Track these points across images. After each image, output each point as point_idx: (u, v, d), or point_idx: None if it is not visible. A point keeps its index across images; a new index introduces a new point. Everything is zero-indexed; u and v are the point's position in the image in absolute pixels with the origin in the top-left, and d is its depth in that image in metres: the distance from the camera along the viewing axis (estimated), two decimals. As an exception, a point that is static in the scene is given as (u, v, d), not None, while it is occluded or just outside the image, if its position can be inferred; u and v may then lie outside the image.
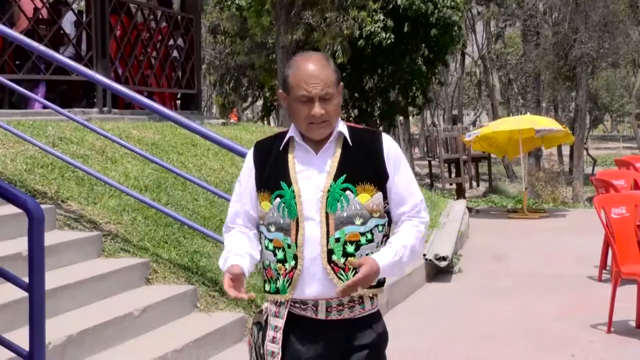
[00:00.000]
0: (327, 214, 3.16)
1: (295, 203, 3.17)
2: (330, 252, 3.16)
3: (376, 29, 24.74)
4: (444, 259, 9.66)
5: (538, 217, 16.50)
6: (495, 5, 41.60)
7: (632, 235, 7.73)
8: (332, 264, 3.16)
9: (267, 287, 3.30)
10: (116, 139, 8.08)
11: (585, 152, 40.76)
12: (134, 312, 5.92)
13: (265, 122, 36.02)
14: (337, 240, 3.15)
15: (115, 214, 7.29)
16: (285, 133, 3.31)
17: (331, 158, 3.21)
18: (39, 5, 11.39)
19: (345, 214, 3.15)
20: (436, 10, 25.55)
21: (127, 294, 6.36)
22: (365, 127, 3.45)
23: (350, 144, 3.23)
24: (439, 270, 9.87)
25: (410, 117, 43.90)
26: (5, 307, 5.17)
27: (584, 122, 36.78)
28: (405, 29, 25.46)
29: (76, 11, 12.45)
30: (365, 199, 3.17)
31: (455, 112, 54.98)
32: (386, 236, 3.26)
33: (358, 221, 3.16)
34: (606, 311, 7.42)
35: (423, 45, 26.68)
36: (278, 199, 3.20)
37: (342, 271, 3.16)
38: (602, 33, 33.19)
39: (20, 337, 4.22)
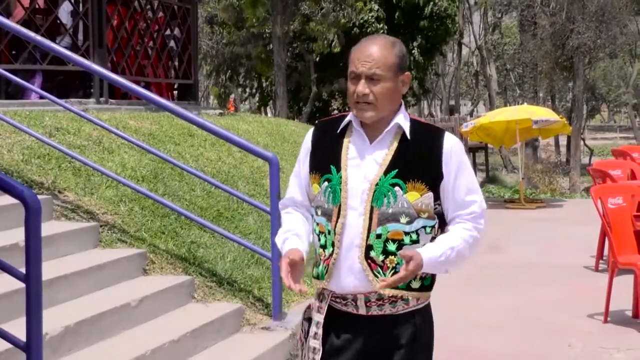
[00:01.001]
0: (372, 207, 3.05)
1: (341, 190, 3.08)
2: (369, 248, 3.06)
3: (370, 18, 24.75)
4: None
5: (535, 208, 16.50)
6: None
7: (629, 225, 7.74)
8: (369, 260, 3.06)
9: (314, 272, 3.22)
10: (113, 129, 8.07)
11: (582, 142, 40.80)
12: (131, 303, 5.92)
13: (263, 112, 35.96)
14: (379, 236, 3.05)
15: (112, 205, 7.28)
16: (347, 116, 3.20)
17: (386, 150, 3.09)
18: (35, -5, 11.36)
19: (390, 210, 3.04)
20: (430, 3, 25.53)
21: (124, 284, 6.36)
22: (430, 123, 3.29)
23: (409, 137, 3.10)
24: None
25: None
26: (2, 298, 5.17)
27: (581, 112, 36.80)
28: (398, 20, 25.45)
29: (73, 1, 12.42)
30: (414, 197, 3.05)
31: (452, 102, 54.95)
32: (434, 239, 3.14)
33: (403, 219, 3.04)
34: (603, 301, 7.43)
35: (419, 36, 26.67)
36: (326, 183, 3.12)
37: (379, 269, 3.06)
38: (599, 23, 33.20)
39: (18, 328, 4.23)
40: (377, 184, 3.06)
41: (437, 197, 3.10)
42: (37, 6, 11.28)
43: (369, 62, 3.04)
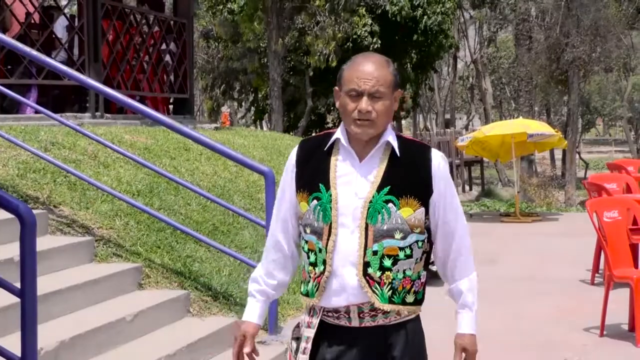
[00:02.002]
0: (366, 225, 3.06)
1: (331, 208, 3.09)
2: (366, 265, 3.06)
3: (363, 32, 24.81)
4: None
5: (531, 221, 16.51)
6: (488, 9, 41.69)
7: (624, 238, 7.75)
8: (367, 277, 3.07)
9: (302, 289, 3.23)
10: (108, 143, 8.07)
11: (577, 156, 40.86)
12: (126, 317, 5.91)
13: (258, 126, 35.99)
14: (375, 253, 3.06)
15: (107, 219, 7.27)
16: (332, 134, 3.21)
17: (377, 168, 3.11)
18: (31, 9, 11.38)
19: (385, 227, 3.05)
20: (425, 17, 25.61)
21: (120, 299, 6.35)
22: (415, 139, 3.33)
23: (398, 154, 3.13)
24: (432, 275, 9.78)
25: (403, 121, 43.94)
26: (-3, 313, 5.15)
27: (576, 126, 36.89)
28: (393, 35, 25.53)
29: (68, 16, 12.44)
30: (408, 213, 3.07)
31: (447, 116, 55.03)
32: (426, 253, 3.19)
33: (398, 235, 3.06)
34: (599, 314, 7.43)
35: (413, 51, 26.74)
36: (315, 201, 3.12)
37: (377, 285, 3.07)
38: (594, 37, 33.30)
39: (13, 343, 4.22)
40: (370, 201, 3.07)
41: (427, 212, 3.14)
42: (32, 21, 11.29)
43: (371, 81, 3.05)
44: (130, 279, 6.60)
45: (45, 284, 5.49)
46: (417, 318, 3.27)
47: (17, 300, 3.99)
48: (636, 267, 8.23)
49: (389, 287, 3.07)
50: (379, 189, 3.07)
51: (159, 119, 7.11)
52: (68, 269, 6.39)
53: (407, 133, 60.37)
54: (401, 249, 3.07)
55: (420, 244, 3.13)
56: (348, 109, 3.09)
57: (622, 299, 7.65)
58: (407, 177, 3.10)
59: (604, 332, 7.41)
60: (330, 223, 3.09)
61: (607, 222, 7.68)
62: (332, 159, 3.16)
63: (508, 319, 8.19)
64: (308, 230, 3.15)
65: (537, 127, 17.63)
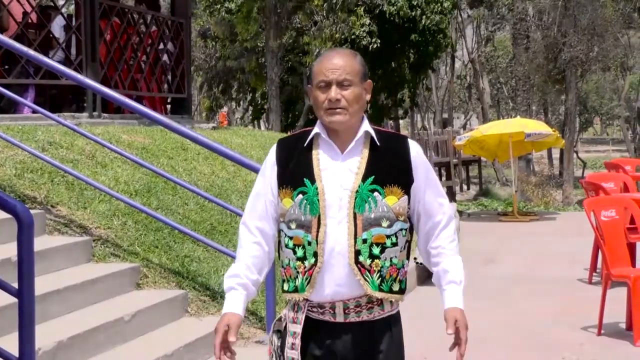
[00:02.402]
0: (355, 214, 3.13)
1: (318, 200, 3.14)
2: (357, 253, 3.13)
3: (361, 33, 24.82)
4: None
5: (528, 220, 16.52)
6: (485, 8, 41.71)
7: (622, 237, 7.76)
8: (359, 265, 3.13)
9: (286, 287, 3.25)
10: (106, 143, 8.07)
11: (575, 155, 40.88)
12: (124, 317, 5.91)
13: (256, 126, 35.99)
14: (364, 241, 3.13)
15: (105, 219, 7.27)
16: (310, 131, 3.28)
17: (359, 158, 3.19)
18: (28, 9, 11.37)
19: (372, 216, 3.13)
20: (423, 17, 25.62)
21: (118, 299, 6.35)
22: (391, 131, 3.48)
23: (378, 144, 3.22)
24: (430, 274, 9.83)
25: (401, 121, 43.95)
26: (-6, 313, 5.15)
27: (573, 125, 36.90)
28: (391, 35, 25.53)
29: (65, 15, 12.43)
30: (393, 201, 3.15)
31: (445, 115, 55.07)
32: (408, 242, 3.25)
33: (385, 223, 3.14)
34: (596, 313, 7.43)
35: (411, 51, 26.74)
36: (300, 196, 3.17)
37: (368, 273, 3.13)
38: (591, 37, 33.32)
39: (10, 343, 4.22)
40: (357, 191, 3.14)
41: (409, 201, 3.23)
42: (30, 21, 11.28)
43: (338, 70, 3.17)
44: (128, 279, 6.60)
45: (43, 284, 5.49)
46: (399, 315, 3.33)
47: (14, 300, 4.00)
48: (634, 266, 8.24)
49: (378, 274, 3.15)
50: (364, 178, 3.15)
51: (157, 119, 7.11)
52: (66, 269, 6.39)
53: (405, 132, 60.39)
54: (388, 236, 3.15)
55: (404, 232, 3.21)
56: (319, 100, 3.19)
57: (619, 298, 7.65)
58: (389, 166, 3.19)
59: (602, 331, 7.42)
60: (319, 215, 3.14)
61: (605, 221, 7.68)
62: (314, 153, 3.22)
63: (506, 317, 8.20)
64: (294, 226, 3.19)
65: (535, 126, 17.65)
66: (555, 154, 44.85)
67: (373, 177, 3.15)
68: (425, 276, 9.85)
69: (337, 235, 3.13)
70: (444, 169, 30.83)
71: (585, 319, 7.82)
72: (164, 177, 7.88)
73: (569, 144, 33.18)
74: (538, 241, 13.34)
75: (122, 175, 8.26)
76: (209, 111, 35.38)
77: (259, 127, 36.75)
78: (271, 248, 3.34)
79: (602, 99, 62.70)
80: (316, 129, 3.24)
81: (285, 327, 3.25)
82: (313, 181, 3.16)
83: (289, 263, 3.23)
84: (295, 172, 3.21)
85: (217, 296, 6.90)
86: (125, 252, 6.93)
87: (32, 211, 4.92)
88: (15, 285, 3.95)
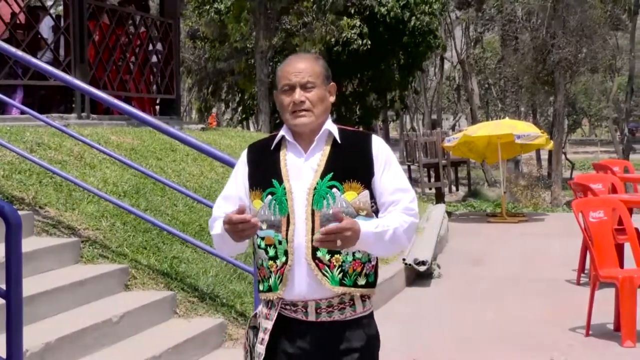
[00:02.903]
0: (312, 211, 3.19)
1: (286, 199, 3.21)
2: (315, 249, 3.17)
3: (352, 35, 24.82)
4: (423, 263, 9.67)
5: (517, 221, 16.56)
6: (474, 10, 41.77)
7: (610, 239, 7.78)
8: (316, 260, 3.18)
9: (261, 287, 3.31)
10: (94, 144, 8.05)
11: (563, 156, 40.99)
12: (112, 319, 5.90)
13: (245, 127, 35.95)
14: None
15: (93, 220, 7.26)
16: (277, 134, 3.36)
17: (319, 156, 3.26)
18: (17, 9, 11.34)
19: (331, 211, 3.16)
20: (413, 18, 25.65)
21: (106, 300, 6.33)
22: (357, 129, 3.51)
23: (340, 142, 3.28)
24: (418, 275, 9.88)
25: (391, 122, 43.99)
26: (-18, 314, 5.13)
27: (562, 127, 36.98)
28: (381, 36, 25.55)
29: (54, 16, 12.40)
30: (352, 196, 3.19)
31: (434, 116, 55.13)
32: None
33: None
34: (585, 314, 7.45)
35: (400, 52, 26.77)
36: (269, 196, 3.24)
37: (327, 268, 3.17)
38: (580, 38, 33.41)
39: (-2, 344, 4.20)
40: (315, 188, 3.20)
41: (372, 195, 3.26)
42: (18, 21, 11.25)
43: (301, 73, 3.27)
44: (116, 280, 6.58)
45: (31, 285, 5.48)
46: (372, 316, 3.35)
47: (2, 301, 3.99)
48: (621, 267, 8.27)
49: (339, 269, 3.19)
50: (322, 175, 3.22)
51: (145, 120, 7.09)
52: (54, 270, 6.37)
53: (394, 134, 60.48)
54: None
55: None
56: (284, 104, 3.29)
57: (607, 299, 7.67)
58: (349, 162, 3.25)
59: (590, 332, 7.44)
60: (288, 214, 3.21)
61: (593, 223, 7.70)
62: (281, 154, 3.31)
63: (494, 318, 8.21)
64: (264, 226, 3.24)
65: (524, 128, 17.70)
66: (544, 155, 44.89)
67: (332, 173, 3.21)
68: (414, 277, 9.87)
69: (300, 233, 3.19)
70: (432, 170, 30.84)
71: (573, 319, 7.84)
72: (152, 178, 7.86)
73: (558, 145, 33.24)
74: (526, 242, 13.37)
75: (111, 177, 8.24)
76: (200, 112, 35.33)
77: (248, 128, 36.74)
78: None
79: (591, 101, 62.83)
80: (282, 132, 3.33)
81: (260, 323, 3.31)
82: (281, 181, 3.24)
83: (262, 263, 3.29)
84: (264, 173, 3.29)
85: (205, 297, 6.89)
86: (113, 253, 6.91)
87: (20, 212, 4.91)
88: (3, 286, 3.94)
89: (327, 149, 3.27)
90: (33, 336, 5.07)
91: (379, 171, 3.27)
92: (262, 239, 3.26)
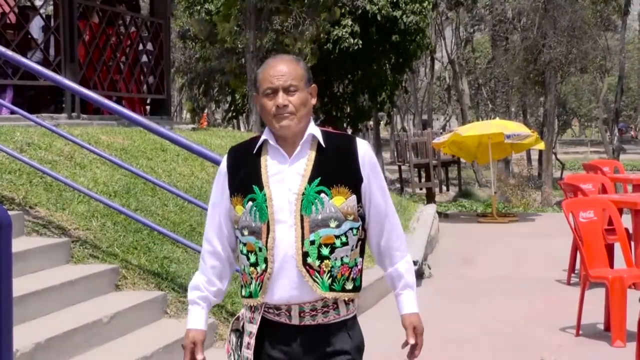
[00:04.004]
0: (302, 216, 3.16)
1: (267, 206, 3.18)
2: (305, 255, 3.15)
3: (344, 34, 24.82)
4: (414, 263, 9.65)
5: (507, 221, 16.59)
6: (465, 10, 41.82)
7: (600, 239, 7.80)
8: (307, 267, 3.16)
9: (243, 292, 3.30)
10: (85, 144, 8.03)
11: (553, 157, 41.05)
12: (103, 319, 5.89)
13: (235, 127, 35.92)
14: (312, 242, 3.15)
15: (84, 220, 7.24)
16: (259, 137, 3.33)
17: (305, 161, 3.22)
18: (7, 9, 11.31)
19: (320, 217, 3.15)
20: (403, 16, 25.65)
21: (96, 300, 6.32)
22: (339, 131, 3.46)
23: (324, 146, 3.25)
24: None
25: (381, 123, 44.01)
26: (-28, 315, 5.12)
27: (552, 127, 37.03)
28: (372, 35, 25.54)
29: (44, 16, 12.38)
30: (340, 201, 3.17)
31: (425, 116, 55.17)
32: (360, 240, 3.27)
33: (333, 224, 3.16)
34: (575, 314, 7.47)
35: (391, 51, 26.77)
36: (250, 203, 3.21)
37: (317, 274, 3.16)
38: (571, 38, 33.46)
39: (-12, 345, 4.18)
40: (303, 194, 3.18)
41: (359, 199, 3.25)
42: (8, 21, 11.22)
43: (283, 76, 3.21)
44: (106, 280, 6.57)
45: (21, 285, 5.47)
46: (356, 318, 3.35)
47: (-8, 302, 3.97)
48: (611, 267, 8.29)
49: (328, 275, 3.18)
50: (310, 181, 3.19)
51: (136, 120, 7.08)
52: (44, 271, 6.36)
53: (385, 134, 60.52)
54: (337, 237, 3.18)
55: (355, 231, 3.23)
56: (267, 108, 3.23)
57: (597, 299, 7.69)
58: (335, 167, 3.23)
59: (580, 332, 7.46)
60: (268, 221, 3.18)
61: (583, 223, 7.72)
62: (262, 159, 3.27)
63: (484, 318, 8.22)
64: (246, 232, 3.24)
65: (514, 127, 17.74)
66: (534, 155, 44.97)
67: (319, 178, 3.18)
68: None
69: (286, 240, 3.16)
70: (423, 170, 30.88)
71: (563, 319, 7.86)
72: (143, 178, 7.85)
73: (548, 145, 33.28)
74: (517, 242, 13.39)
75: (101, 177, 8.23)
76: (192, 112, 35.30)
77: (239, 128, 36.71)
78: (230, 255, 3.41)
79: (581, 101, 63.02)
80: (264, 136, 3.29)
81: (243, 326, 3.31)
82: (261, 187, 3.21)
83: (244, 269, 3.29)
84: (245, 179, 3.26)
85: (196, 297, 6.88)
86: (104, 254, 6.90)
87: (10, 212, 4.90)
88: (-7, 286, 3.93)
89: (312, 153, 3.24)
90: (23, 336, 5.06)
91: (367, 177, 3.26)
92: (244, 244, 3.25)
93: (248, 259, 3.24)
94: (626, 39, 44.93)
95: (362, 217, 3.27)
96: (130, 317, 6.17)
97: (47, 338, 5.31)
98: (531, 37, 33.88)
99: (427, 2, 26.51)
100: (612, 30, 42.75)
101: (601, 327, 7.63)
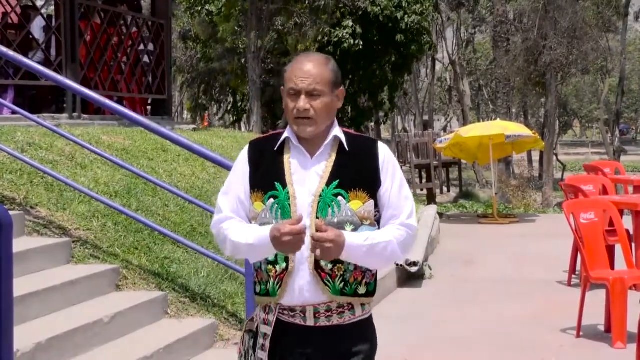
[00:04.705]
0: (317, 219, 3.10)
1: (290, 205, 3.13)
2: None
3: (344, 35, 24.83)
4: (415, 264, 9.68)
5: (508, 223, 16.57)
6: (466, 11, 41.82)
7: (601, 240, 7.79)
8: (319, 270, 3.12)
9: (258, 289, 3.25)
10: (86, 144, 8.03)
11: (554, 158, 41.05)
12: (103, 319, 5.89)
13: (237, 127, 35.91)
14: None
15: (85, 220, 7.24)
16: (280, 134, 3.27)
17: (326, 163, 3.18)
18: (8, 9, 11.32)
19: (336, 220, 3.10)
20: (405, 16, 25.68)
21: (97, 300, 6.32)
22: (363, 134, 3.41)
23: (347, 149, 3.20)
24: (410, 276, 9.89)
25: (382, 123, 44.00)
26: (-27, 315, 5.12)
27: (553, 128, 37.05)
28: (374, 36, 25.55)
29: (45, 16, 12.38)
30: (357, 205, 3.12)
31: (426, 117, 55.18)
32: None
33: (348, 228, 3.10)
34: (575, 316, 7.47)
35: (393, 52, 26.79)
36: (272, 200, 3.16)
37: (329, 277, 3.12)
38: (571, 40, 33.46)
39: (-12, 345, 4.19)
40: (320, 196, 3.13)
41: (376, 204, 3.19)
42: (9, 21, 11.23)
43: (308, 79, 3.14)
44: (107, 281, 6.57)
45: (21, 285, 5.47)
46: (371, 319, 3.31)
47: (-7, 301, 3.97)
48: (612, 268, 8.29)
49: (340, 279, 3.13)
50: (328, 183, 3.14)
51: (137, 120, 7.08)
52: (45, 271, 6.36)
53: (386, 134, 60.54)
54: None
55: None
56: (289, 108, 3.19)
57: (598, 300, 7.69)
58: (355, 171, 3.17)
59: (581, 333, 7.45)
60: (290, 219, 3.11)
61: (584, 224, 7.71)
62: (285, 157, 3.22)
63: (485, 320, 8.22)
64: None
65: (515, 128, 17.74)
66: (535, 156, 45.01)
67: (338, 181, 3.13)
68: (405, 278, 9.88)
69: (305, 241, 3.08)
70: (424, 171, 30.84)
71: (564, 321, 7.86)
72: (144, 178, 7.85)
73: (549, 146, 33.30)
74: (518, 243, 13.38)
75: (102, 177, 8.23)
76: (194, 113, 35.28)
77: (240, 128, 36.68)
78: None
79: (582, 102, 63.02)
80: (286, 134, 3.23)
81: (257, 327, 3.25)
82: (285, 185, 3.15)
83: (260, 266, 3.23)
84: (267, 175, 3.20)
85: (197, 298, 6.88)
86: (104, 254, 6.90)
87: (11, 212, 4.90)
88: (-6, 286, 3.93)
89: (334, 155, 3.18)
90: (24, 336, 5.06)
91: (386, 182, 3.20)
92: None
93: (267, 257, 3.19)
94: (627, 41, 44.92)
95: (379, 222, 3.21)
96: (131, 317, 6.17)
97: (48, 338, 5.31)
98: (532, 38, 33.88)
99: (428, 2, 26.54)
100: (613, 32, 42.75)
101: (602, 328, 7.63)
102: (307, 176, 3.17)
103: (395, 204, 3.21)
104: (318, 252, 3.00)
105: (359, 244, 3.07)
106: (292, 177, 3.17)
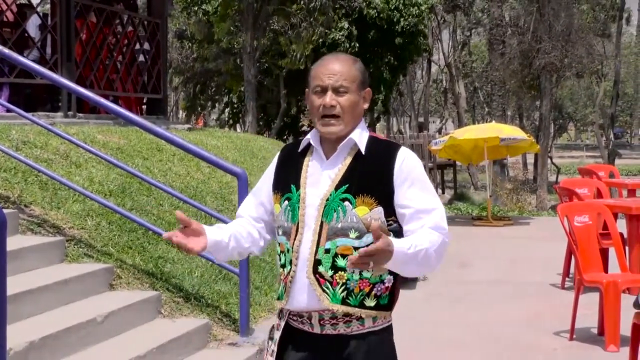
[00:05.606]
0: (322, 222, 3.05)
1: (299, 207, 3.10)
2: (317, 263, 3.05)
3: (340, 37, 24.83)
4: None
5: (502, 225, 16.58)
6: (462, 13, 41.85)
7: (595, 243, 7.81)
8: (317, 275, 3.05)
9: (277, 293, 3.25)
10: (81, 143, 8.03)
11: (549, 161, 41.09)
12: (97, 318, 5.88)
13: (232, 127, 35.89)
14: (327, 251, 3.03)
15: (79, 219, 7.23)
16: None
17: (339, 166, 3.11)
18: (4, 7, 11.30)
19: (339, 225, 3.03)
20: (402, 19, 25.70)
21: (91, 299, 6.32)
22: (390, 140, 3.27)
23: (363, 153, 3.12)
24: (404, 277, 9.87)
25: (377, 125, 44.02)
26: (-34, 313, 5.11)
27: (548, 131, 37.06)
28: (370, 37, 25.56)
29: (41, 14, 12.36)
30: (363, 212, 3.03)
31: (421, 119, 55.18)
32: None
33: (353, 234, 3.02)
34: (569, 318, 7.48)
35: (388, 53, 26.80)
36: (286, 202, 3.14)
37: (328, 284, 3.03)
38: (566, 43, 33.50)
39: (-19, 343, 4.18)
40: (327, 199, 3.07)
41: (390, 213, 3.07)
42: (5, 19, 11.21)
43: (335, 75, 3.09)
44: (101, 280, 6.57)
45: (15, 284, 5.45)
46: (386, 331, 3.21)
47: (-14, 300, 3.97)
48: (606, 271, 8.30)
49: (342, 287, 3.03)
50: (337, 187, 3.07)
51: (132, 119, 7.08)
52: (38, 269, 6.35)
53: (381, 136, 60.49)
54: (356, 248, 2.97)
55: None
56: (315, 106, 3.13)
57: (592, 303, 7.70)
58: (366, 176, 3.07)
59: (574, 336, 7.46)
60: (298, 222, 3.10)
61: (578, 227, 7.72)
62: (305, 159, 3.18)
63: (478, 322, 8.22)
64: (280, 232, 3.17)
65: (510, 131, 17.75)
66: (530, 159, 45.07)
67: (347, 185, 3.06)
68: (402, 279, 9.86)
69: (306, 244, 3.07)
70: (419, 172, 30.87)
71: (557, 323, 7.87)
72: (138, 177, 7.84)
73: (544, 149, 33.32)
74: (512, 246, 13.40)
75: (97, 176, 8.22)
76: (188, 111, 35.24)
77: (235, 128, 36.65)
78: (254, 228, 3.30)
79: (577, 106, 63.09)
80: (309, 135, 3.20)
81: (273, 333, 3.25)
82: (298, 187, 3.13)
83: (278, 269, 3.22)
84: (286, 178, 3.19)
85: (190, 298, 6.88)
86: (98, 253, 6.89)
87: (5, 210, 4.89)
88: (-13, 285, 3.93)
89: (349, 159, 3.11)
90: (17, 335, 5.05)
91: (400, 188, 3.06)
92: (279, 244, 3.18)
93: (280, 259, 3.18)
94: (622, 44, 44.99)
95: (395, 232, 3.05)
96: (125, 317, 6.16)
97: (41, 337, 5.30)
98: (527, 41, 33.91)
99: (424, 5, 26.57)
100: (608, 36, 42.79)
101: (595, 331, 7.64)
102: (320, 179, 3.12)
103: (415, 212, 3.06)
104: (372, 264, 2.80)
105: (403, 251, 2.91)
106: (306, 180, 3.13)
